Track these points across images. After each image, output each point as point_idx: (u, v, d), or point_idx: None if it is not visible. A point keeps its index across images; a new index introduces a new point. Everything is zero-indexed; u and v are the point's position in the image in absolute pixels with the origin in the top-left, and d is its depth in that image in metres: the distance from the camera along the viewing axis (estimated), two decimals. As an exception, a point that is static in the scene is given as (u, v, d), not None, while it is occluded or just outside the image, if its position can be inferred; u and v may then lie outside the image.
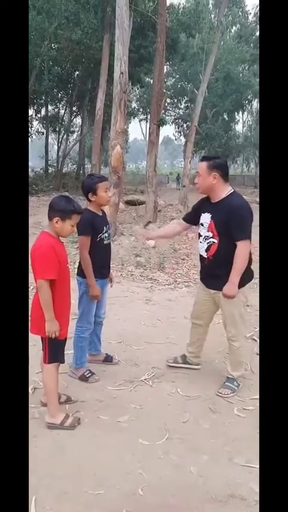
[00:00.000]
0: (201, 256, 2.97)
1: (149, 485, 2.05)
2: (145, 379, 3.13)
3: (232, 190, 2.85)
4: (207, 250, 2.87)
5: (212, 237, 2.83)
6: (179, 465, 2.21)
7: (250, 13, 27.25)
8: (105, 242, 3.03)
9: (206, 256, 2.89)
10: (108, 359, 3.37)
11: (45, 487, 2.01)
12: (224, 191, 2.82)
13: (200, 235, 2.95)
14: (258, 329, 4.06)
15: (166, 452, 2.31)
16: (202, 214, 2.93)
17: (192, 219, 3.09)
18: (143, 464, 2.20)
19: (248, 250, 2.72)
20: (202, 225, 2.92)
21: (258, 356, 3.48)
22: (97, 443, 2.37)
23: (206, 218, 2.88)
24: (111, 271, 3.27)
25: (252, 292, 5.74)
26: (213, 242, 2.82)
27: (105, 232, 3.02)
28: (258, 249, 1.52)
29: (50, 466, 2.16)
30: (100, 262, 3.00)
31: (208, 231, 2.85)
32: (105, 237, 3.02)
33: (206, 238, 2.87)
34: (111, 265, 3.23)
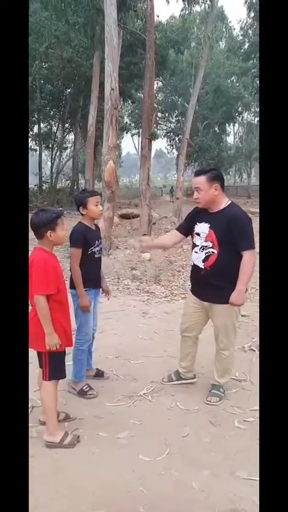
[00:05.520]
0: (196, 266, 2.90)
1: (150, 503, 2.02)
2: (144, 394, 3.10)
3: (230, 201, 2.85)
4: (204, 260, 2.81)
5: (211, 247, 2.78)
6: (180, 481, 2.18)
7: (234, 28, 27.88)
8: (96, 256, 3.07)
9: (203, 267, 2.83)
10: (99, 374, 3.34)
11: (44, 507, 1.97)
12: (224, 201, 2.82)
13: (195, 245, 2.90)
14: (256, 339, 4.05)
15: (167, 468, 2.27)
16: (198, 223, 2.88)
17: (188, 229, 3.01)
18: (143, 481, 2.16)
19: (254, 260, 2.70)
20: (198, 234, 2.87)
21: (256, 366, 3.46)
22: (97, 460, 2.33)
23: (203, 228, 2.83)
24: (107, 284, 3.29)
25: (248, 301, 5.73)
26: (213, 252, 2.77)
27: (97, 246, 3.06)
28: (259, 258, 1.53)
29: (48, 486, 2.12)
30: (91, 275, 3.03)
31: (206, 240, 2.79)
32: (97, 251, 3.07)
33: (204, 248, 2.81)
34: (107, 279, 3.24)
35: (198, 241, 2.86)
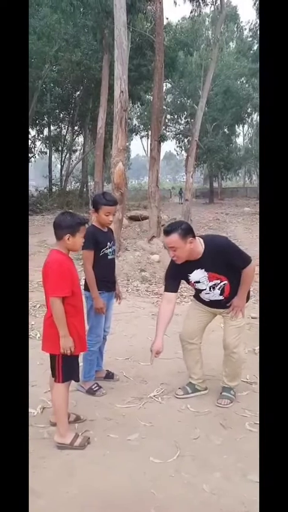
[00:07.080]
0: (214, 301, 2.93)
1: (161, 505, 2.01)
2: (154, 396, 3.10)
3: (202, 239, 2.81)
4: (221, 293, 2.87)
5: (220, 282, 2.83)
6: (191, 483, 2.17)
7: (245, 29, 27.76)
8: (109, 257, 3.08)
9: (223, 298, 2.88)
10: (109, 376, 3.35)
11: (54, 508, 1.98)
12: (199, 244, 2.77)
13: (200, 291, 2.90)
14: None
15: (178, 470, 2.27)
16: (189, 274, 2.84)
17: (177, 286, 2.99)
18: (154, 483, 2.16)
19: (254, 270, 2.81)
20: (198, 282, 2.85)
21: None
22: (107, 462, 2.33)
23: (199, 275, 2.82)
24: (118, 287, 3.30)
25: (258, 304, 5.66)
26: (225, 284, 2.84)
27: (109, 248, 3.07)
28: (258, 260, 1.53)
29: (59, 487, 2.12)
30: (104, 277, 3.05)
31: (211, 281, 2.83)
32: (109, 252, 3.08)
33: (214, 286, 2.85)
34: (117, 281, 3.25)
35: (202, 286, 2.87)
